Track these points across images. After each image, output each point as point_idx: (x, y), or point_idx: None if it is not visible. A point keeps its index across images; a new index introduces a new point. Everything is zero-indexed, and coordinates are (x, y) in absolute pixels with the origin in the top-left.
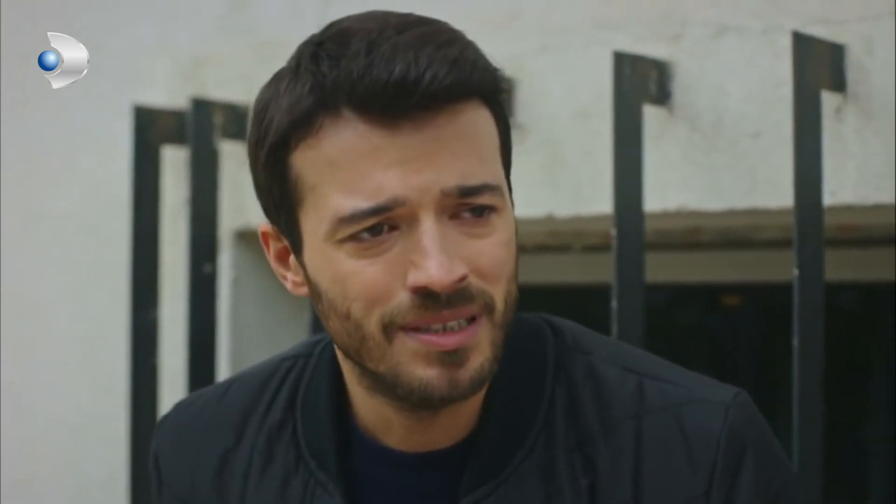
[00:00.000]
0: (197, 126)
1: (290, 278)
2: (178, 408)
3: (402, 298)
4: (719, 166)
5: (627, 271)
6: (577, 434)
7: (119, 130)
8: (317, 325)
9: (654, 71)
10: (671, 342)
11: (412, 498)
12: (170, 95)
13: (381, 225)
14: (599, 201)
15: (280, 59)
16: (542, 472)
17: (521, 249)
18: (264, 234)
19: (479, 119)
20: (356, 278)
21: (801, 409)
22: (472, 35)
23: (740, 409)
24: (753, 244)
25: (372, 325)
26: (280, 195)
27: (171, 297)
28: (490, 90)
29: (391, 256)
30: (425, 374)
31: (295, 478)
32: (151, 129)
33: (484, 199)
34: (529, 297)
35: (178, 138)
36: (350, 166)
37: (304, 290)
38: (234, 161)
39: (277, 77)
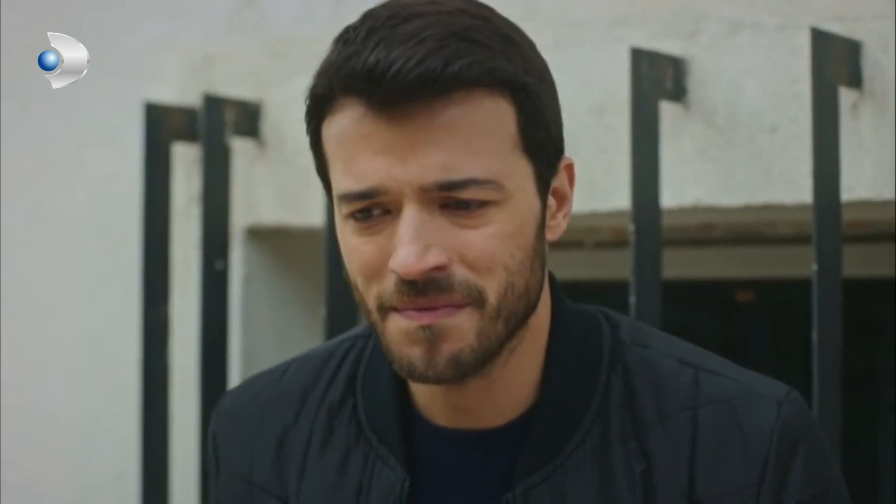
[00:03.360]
0: (209, 123)
1: None
2: (236, 391)
3: (390, 280)
4: (735, 162)
5: (645, 267)
6: (632, 423)
7: (129, 127)
8: (332, 321)
9: (671, 67)
10: (684, 338)
11: (468, 477)
12: (179, 92)
13: (373, 207)
14: (614, 197)
15: (290, 55)
16: (597, 459)
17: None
18: None
19: (481, 110)
20: (356, 254)
21: (821, 404)
22: None
23: (793, 405)
24: (767, 240)
25: (371, 302)
26: (319, 164)
27: (181, 293)
28: (489, 80)
29: (382, 238)
30: (410, 352)
31: (355, 452)
32: (162, 126)
33: (469, 194)
34: None
35: (188, 135)
36: (346, 148)
37: None
38: (245, 158)
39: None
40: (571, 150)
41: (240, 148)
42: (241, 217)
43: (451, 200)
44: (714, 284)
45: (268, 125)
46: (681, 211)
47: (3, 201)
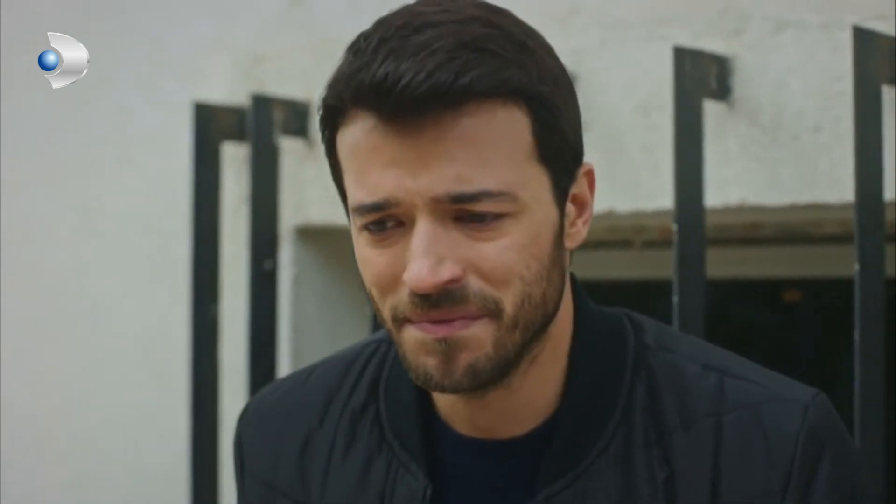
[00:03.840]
0: (257, 122)
1: None
2: (262, 394)
3: (404, 292)
4: (779, 161)
5: (688, 266)
6: (655, 429)
7: (178, 127)
8: (378, 322)
9: (714, 66)
10: (731, 338)
11: (490, 485)
12: (229, 92)
13: (387, 219)
14: (660, 196)
15: (339, 55)
16: (620, 465)
17: (580, 244)
18: None
19: (494, 121)
20: (370, 266)
21: (863, 405)
22: None
23: (819, 409)
24: (813, 239)
25: (386, 313)
26: (335, 173)
27: (231, 293)
28: (502, 91)
29: (396, 251)
30: (426, 362)
31: (378, 458)
32: (211, 125)
33: (483, 206)
34: (588, 292)
35: (237, 135)
36: (358, 160)
37: None
38: (294, 157)
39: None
40: (617, 148)
41: (288, 147)
42: (289, 216)
43: (465, 213)
44: (761, 284)
45: (316, 125)
46: (725, 210)
47: (54, 201)
